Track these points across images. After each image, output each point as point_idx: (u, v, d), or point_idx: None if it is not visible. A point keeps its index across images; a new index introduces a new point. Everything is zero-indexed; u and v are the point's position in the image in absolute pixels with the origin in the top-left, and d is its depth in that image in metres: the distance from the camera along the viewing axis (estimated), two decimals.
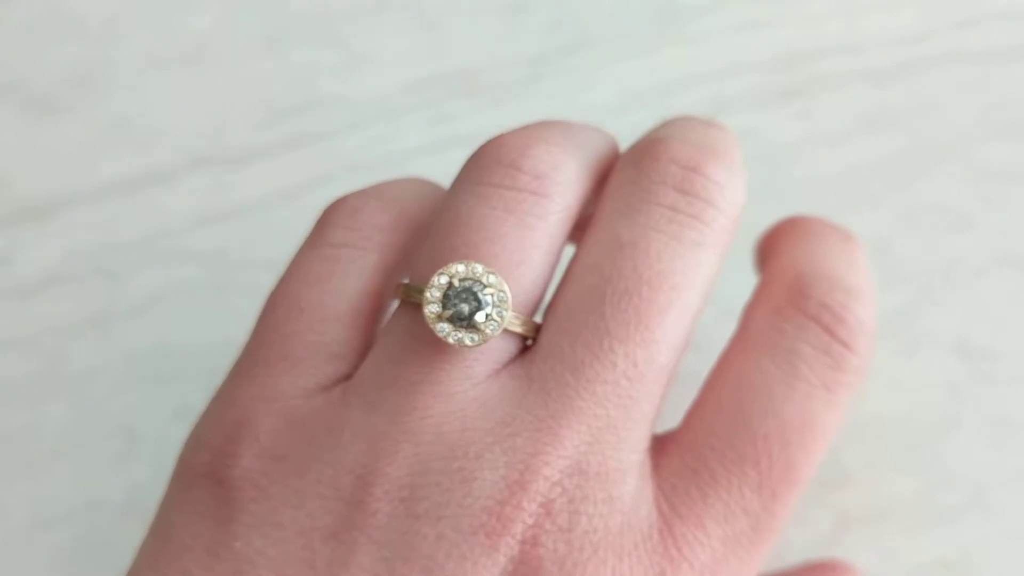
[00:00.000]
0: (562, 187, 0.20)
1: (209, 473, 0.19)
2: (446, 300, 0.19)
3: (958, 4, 0.30)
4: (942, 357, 0.27)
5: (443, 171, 0.29)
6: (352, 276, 0.21)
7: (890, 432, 0.27)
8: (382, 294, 0.21)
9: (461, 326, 0.19)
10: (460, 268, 0.19)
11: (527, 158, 0.20)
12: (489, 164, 0.20)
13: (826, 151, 0.29)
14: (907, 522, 0.26)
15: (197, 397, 0.27)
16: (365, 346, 0.20)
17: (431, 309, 0.19)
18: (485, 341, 0.19)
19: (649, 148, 0.21)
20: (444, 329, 0.19)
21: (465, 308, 0.19)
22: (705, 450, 0.20)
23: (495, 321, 0.19)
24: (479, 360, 0.19)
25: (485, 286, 0.19)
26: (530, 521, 0.18)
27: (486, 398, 0.19)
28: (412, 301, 0.19)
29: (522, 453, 0.18)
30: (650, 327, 0.19)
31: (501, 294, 0.19)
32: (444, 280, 0.19)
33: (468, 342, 0.19)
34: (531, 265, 0.20)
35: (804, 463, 0.20)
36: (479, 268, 0.19)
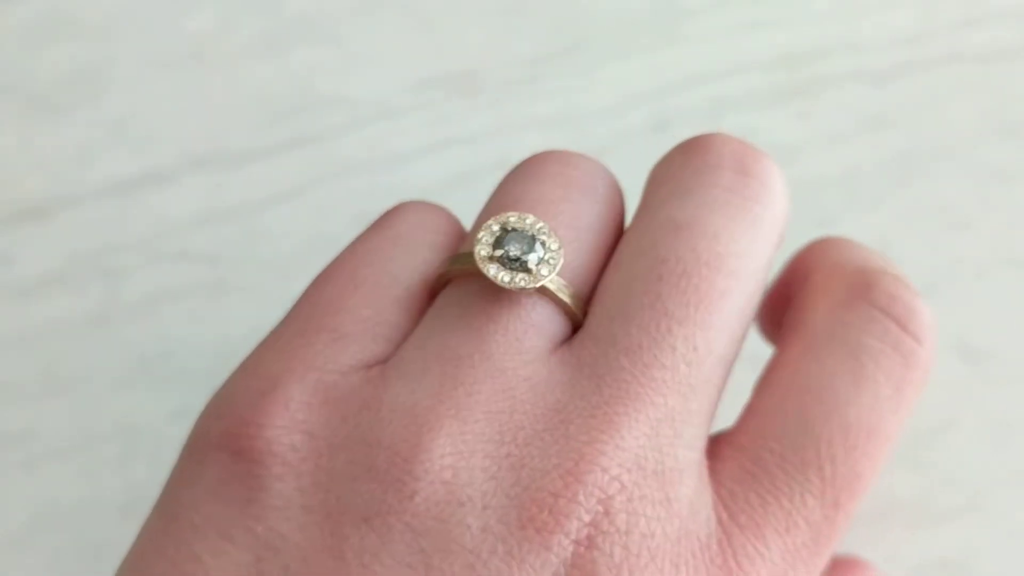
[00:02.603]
0: (608, 183, 0.20)
1: (226, 444, 0.17)
2: (496, 243, 0.18)
3: (958, 4, 0.30)
4: (942, 357, 0.27)
5: (443, 171, 0.29)
6: (414, 259, 0.19)
7: None
8: (437, 288, 0.19)
9: (513, 267, 0.18)
10: (512, 218, 0.18)
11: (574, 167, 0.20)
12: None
13: (826, 151, 0.29)
14: (907, 522, 0.26)
15: (197, 397, 0.27)
16: (412, 326, 0.19)
17: (481, 251, 0.18)
18: (537, 284, 0.18)
19: (696, 139, 0.20)
20: (494, 270, 0.18)
21: (516, 248, 0.18)
22: (764, 454, 0.18)
23: (548, 264, 0.18)
24: (529, 334, 0.18)
25: (537, 233, 0.18)
26: (587, 519, 0.16)
27: (536, 380, 0.17)
28: (461, 271, 0.18)
29: (575, 441, 0.17)
30: (711, 310, 0.18)
31: (554, 243, 0.18)
32: (496, 226, 0.18)
33: (521, 283, 0.18)
34: (581, 242, 0.19)
35: (868, 471, 0.18)
36: (531, 218, 0.18)
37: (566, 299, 0.18)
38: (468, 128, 0.30)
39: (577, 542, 0.16)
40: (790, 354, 0.19)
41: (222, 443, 0.17)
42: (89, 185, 0.29)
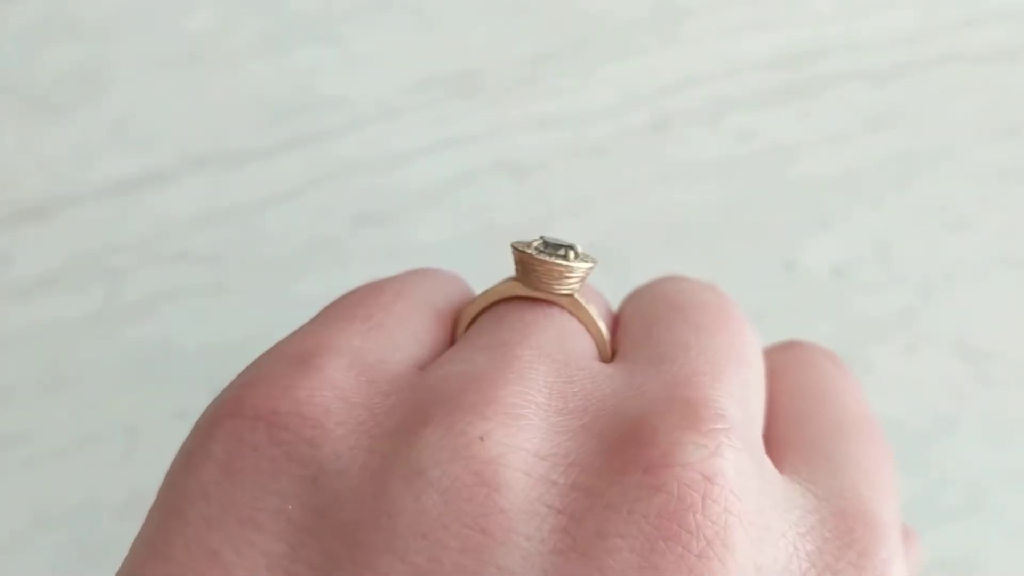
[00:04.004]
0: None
1: (239, 411, 0.14)
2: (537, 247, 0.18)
3: (958, 4, 0.30)
4: (942, 357, 0.27)
5: (443, 171, 0.29)
6: (445, 286, 0.18)
7: (890, 432, 0.27)
8: (459, 320, 0.18)
9: (551, 252, 0.17)
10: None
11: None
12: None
13: (826, 151, 0.29)
14: (907, 522, 0.26)
15: (197, 397, 0.27)
16: (443, 348, 0.17)
17: (519, 245, 0.18)
18: (575, 269, 0.17)
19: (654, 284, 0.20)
20: (534, 252, 0.17)
21: (555, 240, 0.18)
22: (813, 440, 0.17)
23: (584, 261, 0.18)
24: (568, 338, 0.17)
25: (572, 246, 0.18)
26: (705, 452, 0.14)
27: (591, 371, 0.16)
28: (497, 293, 0.18)
29: (662, 399, 0.15)
30: (733, 327, 0.17)
31: (585, 256, 0.18)
32: (539, 241, 0.18)
33: (560, 261, 0.17)
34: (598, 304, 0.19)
35: (889, 447, 0.19)
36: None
37: (599, 323, 0.17)
38: (468, 128, 0.30)
39: (704, 475, 0.14)
40: (773, 381, 0.19)
41: (235, 410, 0.14)
42: (89, 185, 0.29)
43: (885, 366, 0.27)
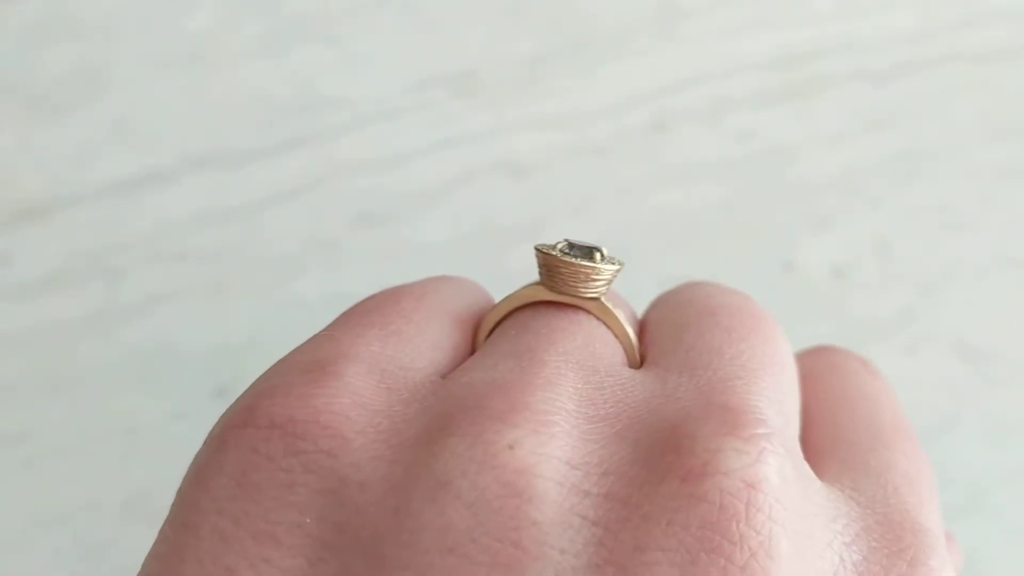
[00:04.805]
0: None
1: (253, 420, 0.14)
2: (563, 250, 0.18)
3: (958, 4, 0.30)
4: (942, 357, 0.27)
5: (443, 171, 0.29)
6: (464, 292, 0.18)
7: None
8: (480, 327, 0.18)
9: (577, 253, 0.17)
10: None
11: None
12: None
13: (826, 151, 0.29)
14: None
15: (197, 398, 0.27)
16: (464, 357, 0.17)
17: (543, 248, 0.17)
18: (601, 271, 0.17)
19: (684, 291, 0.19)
20: (559, 254, 0.17)
21: (579, 243, 0.17)
22: (852, 446, 0.17)
23: (611, 265, 0.17)
24: (596, 344, 0.16)
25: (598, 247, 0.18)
26: (748, 458, 0.13)
27: (621, 378, 0.16)
28: (520, 297, 0.17)
29: (698, 402, 0.14)
30: (767, 334, 0.17)
31: (612, 259, 0.18)
32: (563, 244, 0.18)
33: (585, 261, 0.17)
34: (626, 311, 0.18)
35: (925, 452, 0.18)
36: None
37: (628, 328, 0.17)
38: (468, 128, 0.30)
39: (747, 482, 0.13)
40: (805, 386, 0.19)
41: (248, 420, 0.14)
42: (89, 185, 0.29)
43: (885, 366, 0.27)
